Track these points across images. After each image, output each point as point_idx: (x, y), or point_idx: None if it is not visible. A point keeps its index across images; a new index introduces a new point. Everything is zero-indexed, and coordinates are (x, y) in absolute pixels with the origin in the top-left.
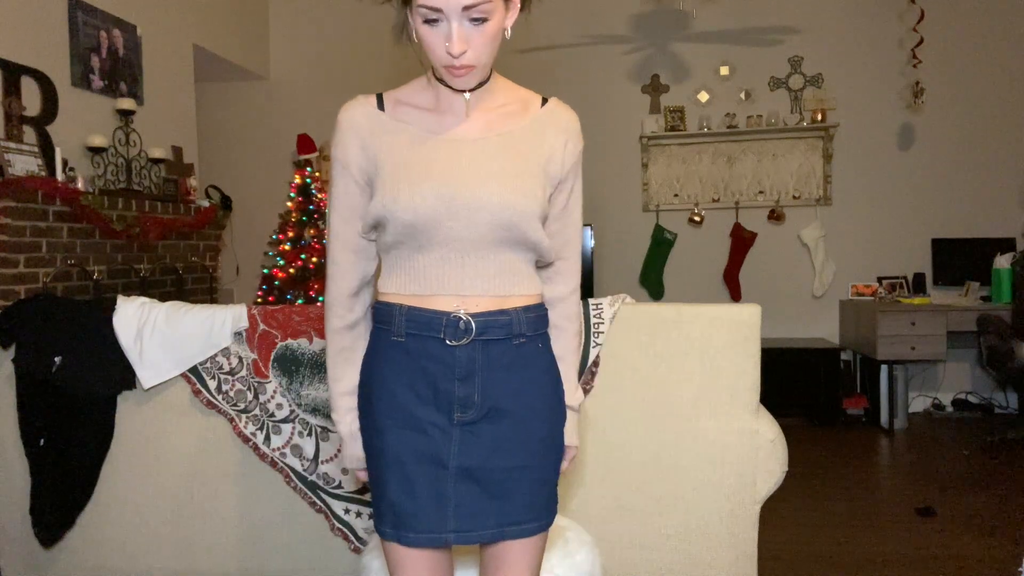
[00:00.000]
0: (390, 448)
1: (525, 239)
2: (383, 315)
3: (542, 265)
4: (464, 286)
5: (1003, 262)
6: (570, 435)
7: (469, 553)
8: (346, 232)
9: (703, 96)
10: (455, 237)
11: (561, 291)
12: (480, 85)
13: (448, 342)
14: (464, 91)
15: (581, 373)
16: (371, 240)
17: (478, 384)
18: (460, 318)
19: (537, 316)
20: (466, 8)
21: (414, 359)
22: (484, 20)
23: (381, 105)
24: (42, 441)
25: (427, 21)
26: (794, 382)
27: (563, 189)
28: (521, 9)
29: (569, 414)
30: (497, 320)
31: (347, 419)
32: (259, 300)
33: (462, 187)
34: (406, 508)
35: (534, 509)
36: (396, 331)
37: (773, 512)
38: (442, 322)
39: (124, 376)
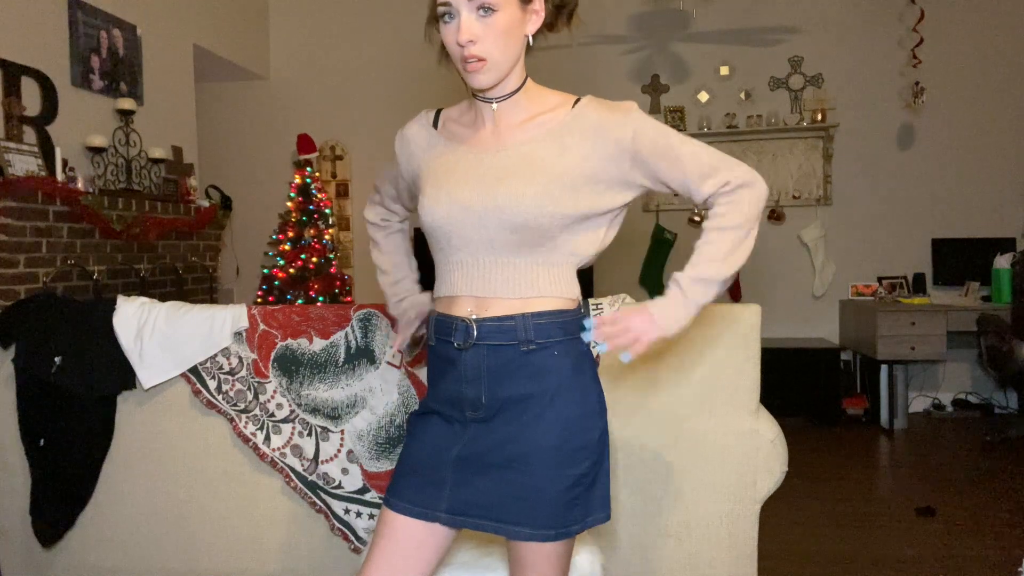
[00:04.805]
0: (416, 428)
1: (540, 243)
2: (430, 321)
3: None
4: (477, 288)
5: (1003, 262)
6: (656, 317)
7: (495, 542)
8: (390, 191)
9: (703, 96)
10: (469, 241)
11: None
12: (511, 95)
13: (456, 345)
14: (490, 99)
15: None
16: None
17: (484, 388)
18: (467, 323)
19: (550, 323)
20: None
21: (440, 361)
22: (492, 11)
23: (436, 122)
24: (42, 441)
25: (442, 18)
26: (794, 382)
27: (649, 164)
28: (565, 24)
29: (672, 291)
30: (502, 326)
31: (392, 302)
32: (259, 300)
33: (474, 192)
34: (406, 479)
35: (533, 517)
36: (431, 336)
37: (773, 512)
38: (453, 327)
39: (124, 376)
